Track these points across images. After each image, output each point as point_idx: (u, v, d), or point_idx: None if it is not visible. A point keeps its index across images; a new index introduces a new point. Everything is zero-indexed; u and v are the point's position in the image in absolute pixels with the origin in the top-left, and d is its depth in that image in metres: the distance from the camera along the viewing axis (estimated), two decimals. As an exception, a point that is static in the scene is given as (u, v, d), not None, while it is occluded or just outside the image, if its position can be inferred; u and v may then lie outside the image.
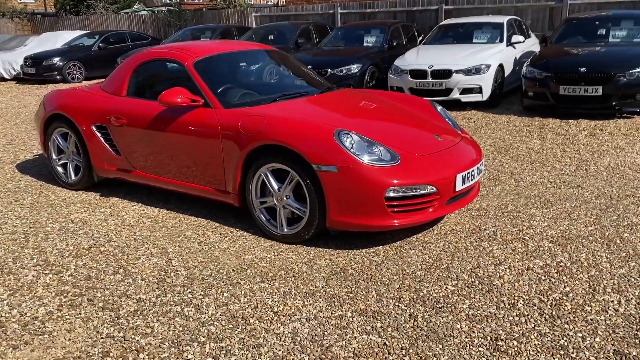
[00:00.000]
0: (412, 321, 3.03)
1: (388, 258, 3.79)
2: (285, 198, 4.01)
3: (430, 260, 3.74)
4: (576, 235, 4.03)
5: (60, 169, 5.63)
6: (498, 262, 3.67)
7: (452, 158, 4.02)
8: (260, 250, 4.00)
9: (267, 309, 3.20)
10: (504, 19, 10.49)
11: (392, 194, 3.68)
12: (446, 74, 9.04)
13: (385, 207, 3.70)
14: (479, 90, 9.01)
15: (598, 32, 9.45)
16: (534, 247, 3.87)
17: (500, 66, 9.42)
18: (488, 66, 9.04)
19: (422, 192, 3.75)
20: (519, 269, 3.56)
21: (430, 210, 3.85)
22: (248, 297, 3.35)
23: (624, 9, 11.10)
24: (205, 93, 4.45)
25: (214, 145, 4.28)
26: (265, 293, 3.39)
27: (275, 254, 3.94)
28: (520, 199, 4.86)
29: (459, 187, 3.96)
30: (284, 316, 3.13)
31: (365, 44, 11.50)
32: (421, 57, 9.55)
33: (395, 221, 3.75)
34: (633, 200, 4.68)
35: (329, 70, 9.87)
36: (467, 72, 8.99)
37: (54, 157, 5.63)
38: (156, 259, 3.90)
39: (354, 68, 9.96)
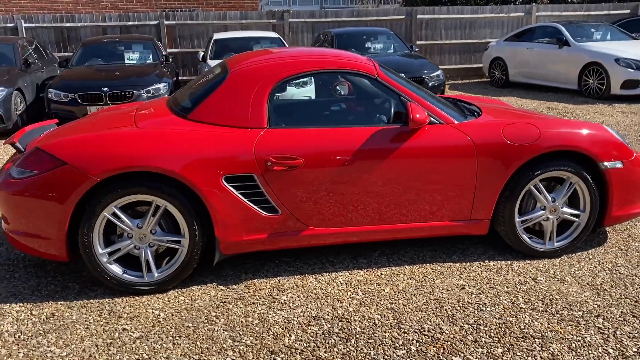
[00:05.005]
0: None
1: None
2: (560, 207, 3.73)
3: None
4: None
5: (114, 268, 3.31)
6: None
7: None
8: (564, 274, 3.61)
9: None
10: (275, 34, 10.84)
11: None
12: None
13: (645, 191, 3.95)
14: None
15: (365, 45, 10.94)
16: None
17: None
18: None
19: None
20: None
21: None
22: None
23: (370, 26, 12.99)
24: (426, 107, 3.58)
25: (465, 168, 3.54)
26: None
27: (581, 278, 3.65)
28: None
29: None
30: None
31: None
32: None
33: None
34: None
35: None
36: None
37: (101, 250, 3.27)
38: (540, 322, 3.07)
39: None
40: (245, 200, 3.34)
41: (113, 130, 3.34)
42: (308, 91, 4.61)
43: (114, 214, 3.23)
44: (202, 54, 10.15)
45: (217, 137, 3.30)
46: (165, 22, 12.74)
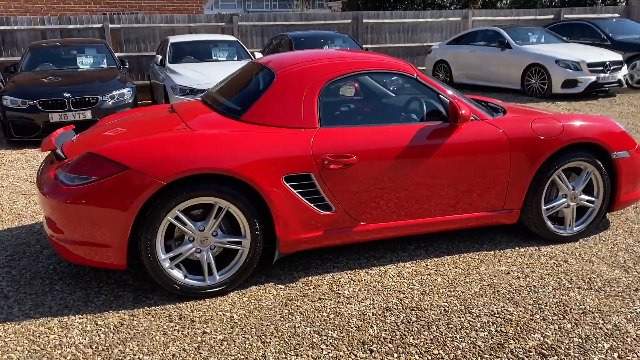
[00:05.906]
0: None
1: None
2: (579, 195, 4.06)
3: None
4: None
5: (176, 273, 3.26)
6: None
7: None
8: (589, 256, 3.93)
9: None
10: (233, 38, 10.77)
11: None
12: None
13: None
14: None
15: (323, 48, 11.11)
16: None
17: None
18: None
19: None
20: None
21: None
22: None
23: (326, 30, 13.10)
24: (463, 104, 3.79)
25: (500, 161, 3.78)
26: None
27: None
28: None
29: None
30: None
31: None
32: (204, 76, 8.80)
33: None
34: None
35: None
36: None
37: (163, 255, 3.20)
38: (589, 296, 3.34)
39: None
40: (303, 198, 3.39)
41: (169, 133, 3.29)
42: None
43: (177, 218, 3.17)
44: (159, 57, 9.90)
45: (276, 138, 3.33)
46: (110, 26, 12.30)
